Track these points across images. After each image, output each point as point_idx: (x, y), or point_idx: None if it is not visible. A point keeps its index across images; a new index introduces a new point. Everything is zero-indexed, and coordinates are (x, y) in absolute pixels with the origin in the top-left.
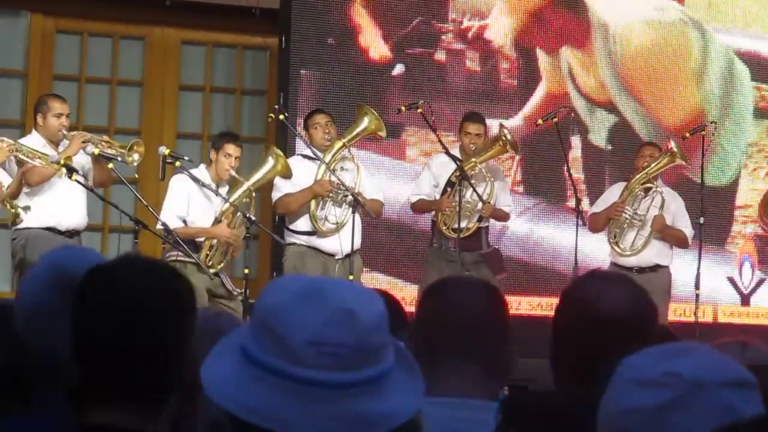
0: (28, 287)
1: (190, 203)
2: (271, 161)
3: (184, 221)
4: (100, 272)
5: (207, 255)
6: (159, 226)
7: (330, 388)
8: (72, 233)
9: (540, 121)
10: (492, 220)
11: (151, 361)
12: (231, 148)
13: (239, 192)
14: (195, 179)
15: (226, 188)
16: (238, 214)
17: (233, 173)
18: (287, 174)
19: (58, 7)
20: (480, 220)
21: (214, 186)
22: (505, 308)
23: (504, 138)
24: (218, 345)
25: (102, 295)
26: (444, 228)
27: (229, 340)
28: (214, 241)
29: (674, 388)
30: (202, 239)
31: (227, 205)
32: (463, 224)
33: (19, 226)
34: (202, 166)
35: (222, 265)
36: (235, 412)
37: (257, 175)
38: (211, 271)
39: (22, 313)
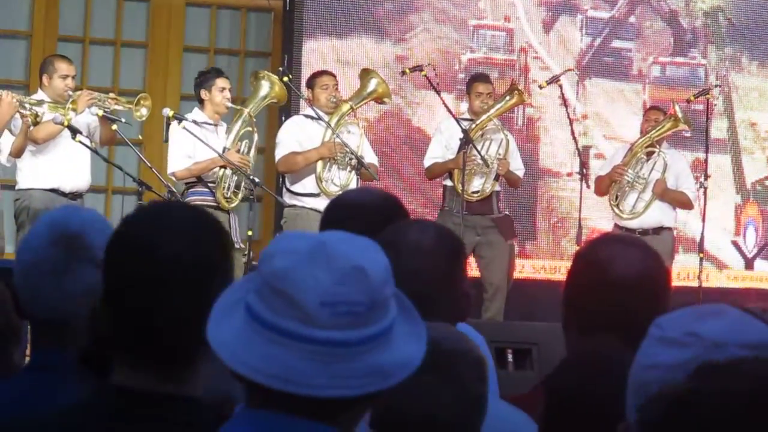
0: (27, 245)
1: (196, 146)
2: (265, 85)
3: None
4: (130, 231)
5: (223, 190)
6: (168, 174)
7: (347, 346)
8: (75, 195)
9: (544, 84)
10: (504, 185)
11: (180, 324)
12: (223, 82)
13: (240, 121)
14: (196, 123)
15: (224, 126)
16: (244, 176)
17: (230, 104)
18: (283, 96)
19: None
20: (497, 178)
21: (212, 122)
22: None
23: (518, 89)
24: (219, 302)
25: (130, 258)
26: (460, 189)
27: (230, 297)
28: (228, 173)
29: (694, 348)
30: (213, 180)
31: (233, 135)
32: (479, 183)
33: (22, 187)
34: (196, 109)
35: (239, 197)
36: (252, 377)
37: (256, 101)
38: (232, 205)
39: (21, 270)
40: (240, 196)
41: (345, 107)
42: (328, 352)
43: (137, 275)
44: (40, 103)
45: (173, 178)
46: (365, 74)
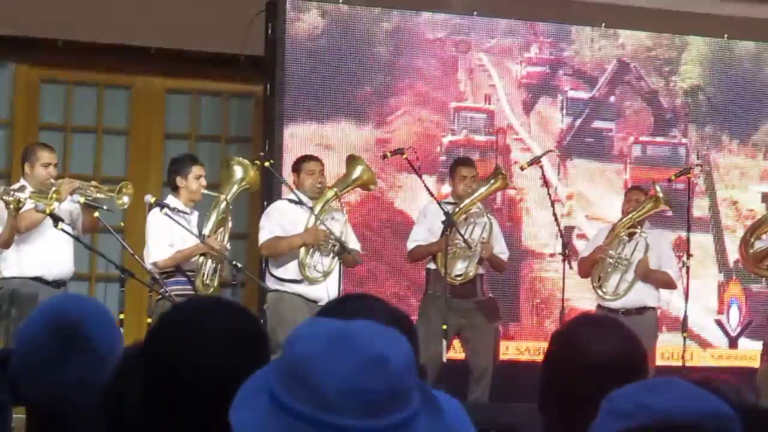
0: (25, 333)
1: (173, 232)
2: (238, 170)
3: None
4: (168, 332)
5: (203, 277)
6: (149, 264)
7: None
8: (59, 283)
9: (525, 165)
10: (488, 268)
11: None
12: (198, 169)
13: (219, 208)
14: (173, 210)
15: (196, 214)
16: (225, 261)
17: (206, 192)
18: (257, 181)
19: (43, 57)
20: (481, 262)
21: (188, 210)
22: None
23: (502, 173)
24: (245, 387)
25: (169, 359)
26: (444, 272)
27: (255, 382)
28: (208, 261)
29: (643, 419)
30: (191, 268)
31: (212, 221)
32: (463, 267)
33: (5, 275)
34: (171, 196)
35: (216, 284)
36: None
37: (233, 188)
38: (210, 291)
39: (18, 356)
40: (216, 282)
41: (330, 193)
42: None
43: (176, 377)
44: (21, 188)
45: (154, 268)
46: (351, 161)
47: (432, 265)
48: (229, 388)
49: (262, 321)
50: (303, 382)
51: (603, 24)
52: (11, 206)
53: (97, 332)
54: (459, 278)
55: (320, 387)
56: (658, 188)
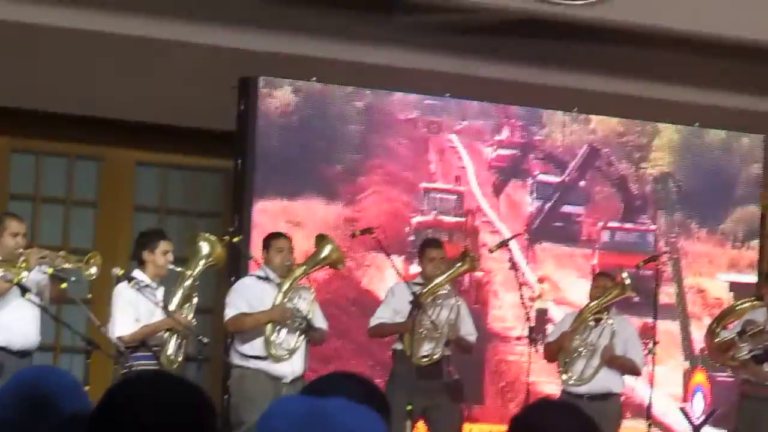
0: None
1: (139, 306)
2: (205, 246)
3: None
4: (108, 405)
5: (167, 354)
6: (114, 337)
7: None
8: (24, 353)
9: (494, 247)
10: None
11: None
12: (166, 245)
13: (185, 283)
14: (140, 285)
15: (161, 289)
16: (190, 336)
17: (173, 267)
18: (223, 258)
19: (13, 126)
20: (447, 343)
21: (154, 285)
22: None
23: (470, 255)
24: None
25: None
26: (409, 354)
27: None
28: (173, 337)
29: None
30: (156, 343)
31: (179, 297)
32: (429, 348)
33: None
34: (137, 270)
35: (180, 359)
36: None
37: (199, 265)
38: (174, 366)
39: None
40: (181, 357)
41: (298, 271)
42: None
43: None
44: None
45: (119, 342)
46: (320, 240)
47: (398, 345)
48: None
49: (226, 396)
50: None
51: (575, 109)
52: None
53: (69, 405)
54: (425, 359)
55: None
56: (624, 275)
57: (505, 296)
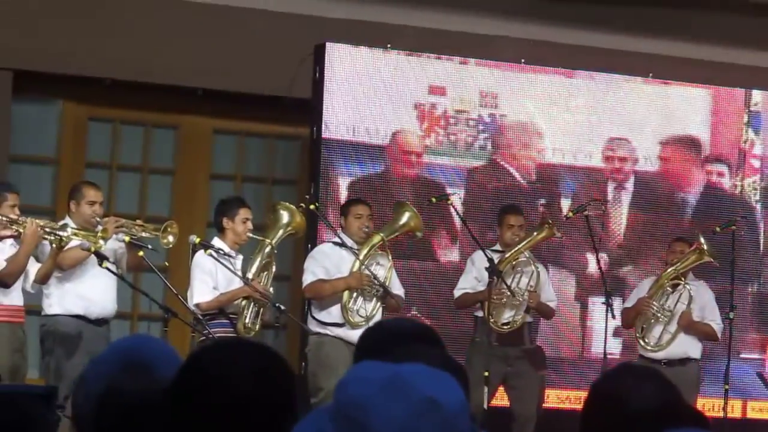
0: (94, 371)
1: (217, 274)
2: (285, 215)
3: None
4: (202, 366)
5: (245, 320)
6: (192, 305)
7: None
8: (101, 321)
9: (570, 214)
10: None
11: None
12: (246, 212)
13: (263, 252)
14: (218, 251)
15: (240, 257)
16: (268, 305)
17: (252, 235)
18: (302, 227)
19: (90, 95)
20: (528, 311)
21: (233, 253)
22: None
23: (549, 222)
24: (298, 429)
25: (199, 393)
26: (491, 321)
27: (307, 425)
28: (251, 305)
29: None
30: (233, 311)
31: (256, 265)
32: (510, 315)
33: (48, 313)
34: (216, 238)
35: (258, 327)
36: None
37: (279, 233)
38: (251, 335)
39: (86, 397)
40: (258, 326)
41: (376, 238)
42: None
43: (206, 412)
44: (63, 227)
45: (197, 309)
46: (399, 207)
47: (479, 313)
48: (255, 425)
49: (303, 363)
50: (357, 425)
51: (651, 74)
52: (54, 245)
53: (166, 372)
54: (506, 327)
55: (374, 430)
56: (701, 240)
57: (582, 262)
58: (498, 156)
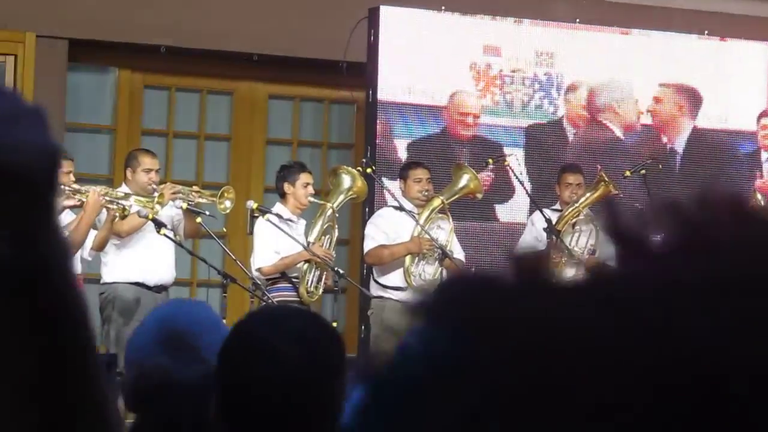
0: (136, 344)
1: (279, 239)
2: (347, 179)
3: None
4: (250, 333)
5: (307, 284)
6: (254, 270)
7: None
8: (160, 288)
9: (628, 172)
10: None
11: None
12: (307, 177)
13: (325, 216)
14: (280, 218)
15: (303, 222)
16: (329, 269)
17: (314, 199)
18: (364, 191)
19: (145, 63)
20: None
21: (294, 218)
22: None
23: (604, 180)
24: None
25: (249, 359)
26: None
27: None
28: (312, 269)
29: None
30: (295, 275)
31: (318, 229)
32: (570, 274)
33: (107, 280)
34: (278, 203)
35: (320, 291)
36: None
37: (339, 197)
38: (314, 299)
39: (128, 365)
40: (321, 290)
41: (436, 202)
42: None
43: (256, 376)
44: (126, 196)
45: (259, 274)
46: (457, 169)
47: None
48: (304, 391)
49: (363, 327)
50: None
51: (706, 32)
52: (117, 214)
53: (206, 339)
54: None
55: None
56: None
57: None
58: (555, 115)
